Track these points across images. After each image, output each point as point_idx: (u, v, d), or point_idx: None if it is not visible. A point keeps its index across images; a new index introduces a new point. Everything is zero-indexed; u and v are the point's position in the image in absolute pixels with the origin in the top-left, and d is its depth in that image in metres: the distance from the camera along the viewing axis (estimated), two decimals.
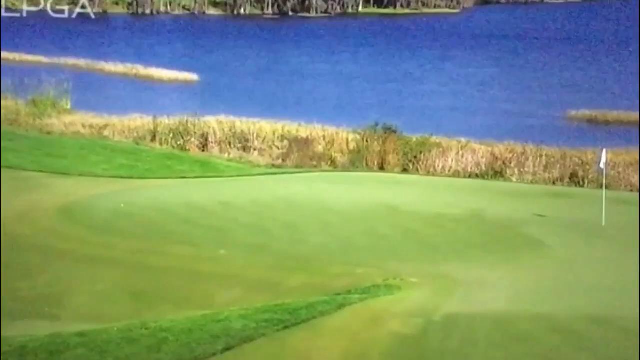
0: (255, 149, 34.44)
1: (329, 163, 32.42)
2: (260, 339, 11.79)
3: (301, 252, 18.12)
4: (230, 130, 35.95)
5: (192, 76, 64.96)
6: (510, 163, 30.67)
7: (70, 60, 66.93)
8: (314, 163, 32.20)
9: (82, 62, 67.53)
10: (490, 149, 32.02)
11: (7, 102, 40.17)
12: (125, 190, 24.77)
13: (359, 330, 12.44)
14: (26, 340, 10.87)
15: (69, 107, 41.52)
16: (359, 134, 33.46)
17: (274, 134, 35.39)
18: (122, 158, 30.73)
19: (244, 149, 34.71)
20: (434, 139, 32.48)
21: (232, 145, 34.88)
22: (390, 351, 11.60)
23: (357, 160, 31.99)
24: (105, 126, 36.67)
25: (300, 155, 32.60)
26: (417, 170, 30.87)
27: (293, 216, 21.55)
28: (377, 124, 33.13)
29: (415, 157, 31.38)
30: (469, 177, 30.20)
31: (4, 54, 63.15)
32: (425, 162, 31.08)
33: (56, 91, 42.04)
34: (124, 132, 36.05)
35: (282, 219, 21.33)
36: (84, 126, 36.86)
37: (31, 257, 17.20)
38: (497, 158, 31.17)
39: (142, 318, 13.01)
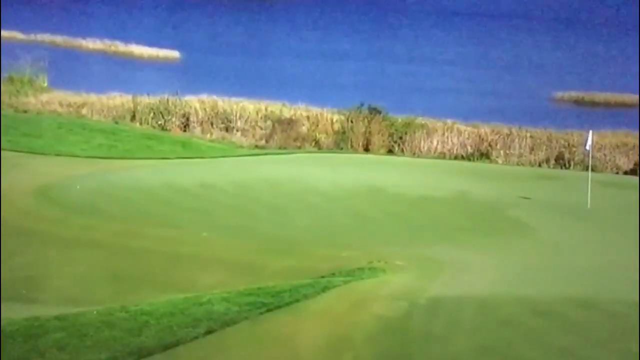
0: (237, 130, 34.31)
1: (313, 144, 32.38)
2: (243, 322, 11.82)
3: (285, 235, 18.15)
4: (213, 110, 35.75)
5: (174, 53, 64.45)
6: (496, 145, 30.78)
7: (47, 37, 66.14)
8: (298, 144, 32.16)
9: (59, 39, 66.73)
10: (475, 130, 32.08)
11: None
12: (104, 170, 24.69)
13: (342, 313, 12.50)
14: (4, 323, 10.83)
15: (45, 84, 41.09)
16: (344, 114, 33.42)
17: (257, 114, 35.24)
18: (101, 138, 30.53)
19: (227, 129, 34.56)
20: (420, 120, 32.51)
21: (215, 126, 34.71)
22: (375, 334, 11.67)
23: (341, 141, 31.98)
24: (84, 105, 36.34)
25: (284, 136, 32.54)
26: (403, 151, 30.92)
27: (277, 198, 21.58)
28: (362, 105, 33.09)
29: (400, 138, 31.41)
30: (455, 158, 30.30)
31: None
32: (410, 144, 31.12)
33: (32, 68, 41.57)
34: (102, 111, 35.75)
35: (265, 200, 21.36)
36: (61, 105, 36.51)
37: (8, 239, 17.09)
38: (482, 139, 31.25)
39: (123, 301, 12.99)
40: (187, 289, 14.34)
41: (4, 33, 66.03)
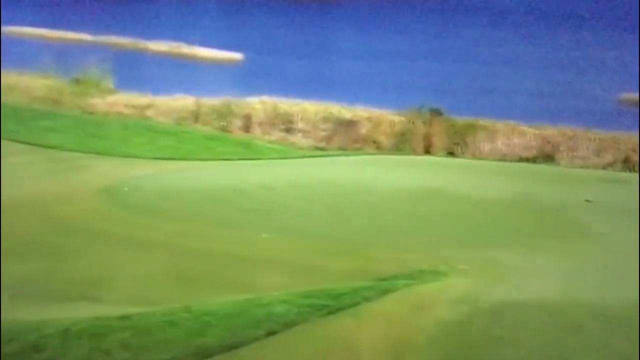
0: (298, 131, 34.39)
1: (373, 145, 32.27)
2: (303, 325, 11.81)
3: (345, 237, 18.11)
4: (273, 111, 35.92)
5: (236, 55, 64.95)
6: (560, 147, 30.24)
7: (114, 39, 67.20)
8: (358, 145, 32.08)
9: (125, 41, 67.72)
10: (539, 131, 31.53)
11: (49, 81, 40.63)
12: (167, 171, 25.01)
13: (404, 316, 12.39)
14: (69, 322, 11.02)
15: (112, 86, 41.84)
16: (404, 115, 33.23)
17: (317, 115, 35.28)
18: (164, 139, 30.94)
19: (287, 130, 34.68)
20: (481, 121, 32.11)
21: (275, 127, 34.88)
22: (436, 338, 11.53)
23: (402, 143, 31.81)
24: (148, 106, 36.88)
25: (344, 138, 32.51)
26: (464, 153, 30.60)
27: (337, 199, 21.55)
28: (422, 106, 32.87)
29: (461, 139, 31.09)
30: (518, 160, 29.85)
31: (45, 32, 64.01)
32: (472, 145, 30.78)
33: (99, 70, 42.34)
34: (166, 112, 36.26)
35: (325, 202, 21.35)
36: (126, 106, 37.11)
37: (74, 239, 17.44)
38: (546, 141, 30.72)
39: (185, 302, 13.11)
40: (247, 290, 14.39)
41: (73, 35, 67.43)
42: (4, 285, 14.11)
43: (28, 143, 28.33)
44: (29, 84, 39.63)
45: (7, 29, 64.23)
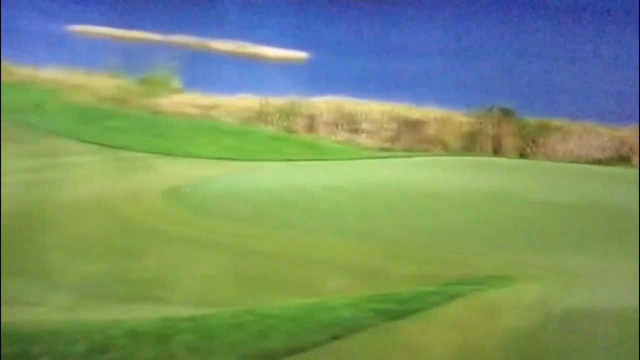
0: (363, 131, 34.36)
1: (441, 147, 32.05)
2: (369, 329, 11.81)
3: (410, 240, 18.04)
4: (338, 111, 35.97)
5: (301, 54, 65.17)
6: (637, 148, 29.55)
7: (181, 38, 67.84)
8: (425, 146, 31.90)
9: (192, 40, 68.43)
10: (616, 133, 30.87)
11: (117, 81, 41.43)
12: (232, 172, 25.29)
13: (472, 323, 12.29)
14: (135, 323, 11.23)
15: (179, 86, 42.41)
16: (473, 115, 32.91)
17: (383, 115, 35.18)
18: (229, 139, 31.27)
19: (352, 130, 34.67)
20: (555, 121, 31.58)
21: (340, 127, 34.92)
22: (506, 346, 11.41)
23: (470, 144, 31.52)
24: (214, 106, 37.30)
25: (411, 138, 32.36)
26: (535, 155, 30.15)
27: (402, 202, 21.49)
28: (492, 106, 32.49)
29: (532, 141, 30.63)
30: (592, 163, 29.27)
31: (113, 31, 65.18)
32: (544, 147, 30.30)
33: (167, 70, 42.94)
34: (231, 112, 36.62)
35: (391, 204, 21.30)
36: (192, 106, 37.60)
37: (139, 239, 17.74)
38: (623, 143, 30.06)
39: (249, 304, 13.23)
40: (312, 294, 14.45)
41: (141, 34, 68.50)
42: (72, 285, 14.47)
43: (95, 143, 28.97)
44: (96, 84, 40.52)
45: (74, 28, 65.79)
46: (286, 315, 12.38)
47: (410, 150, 31.37)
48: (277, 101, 36.88)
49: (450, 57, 66.30)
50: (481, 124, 31.94)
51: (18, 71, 44.72)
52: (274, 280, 15.60)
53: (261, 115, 35.88)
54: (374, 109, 36.07)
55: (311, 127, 35.08)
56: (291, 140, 32.67)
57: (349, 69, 60.12)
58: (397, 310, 12.58)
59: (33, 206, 20.42)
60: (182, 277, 15.50)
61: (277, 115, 35.56)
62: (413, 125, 33.25)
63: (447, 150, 31.75)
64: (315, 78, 52.55)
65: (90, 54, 50.43)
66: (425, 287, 14.36)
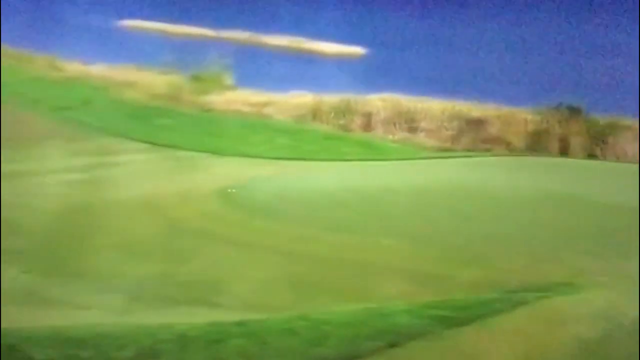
0: (422, 130, 34.21)
1: (504, 147, 31.72)
2: (427, 337, 11.71)
3: (471, 244, 17.89)
4: (396, 109, 35.85)
5: (358, 50, 65.07)
6: None
7: (234, 33, 68.10)
8: (487, 146, 31.61)
9: (245, 35, 68.67)
10: None
11: (169, 78, 41.89)
12: (285, 172, 25.39)
13: (537, 332, 12.12)
14: (186, 327, 11.32)
15: (231, 83, 42.71)
16: (539, 114, 32.50)
17: (443, 113, 34.97)
18: (283, 138, 31.42)
19: (410, 129, 34.54)
20: (626, 120, 31.01)
21: (398, 126, 34.82)
22: (572, 356, 11.23)
23: (535, 144, 31.13)
24: (267, 104, 37.50)
25: (472, 138, 32.11)
26: (605, 156, 29.64)
27: (463, 204, 21.33)
28: (559, 104, 32.04)
29: (602, 141, 30.13)
30: None
31: (165, 26, 65.94)
32: (613, 147, 29.79)
33: (219, 66, 43.25)
34: (285, 110, 36.77)
35: (450, 206, 21.16)
36: (244, 104, 37.85)
37: (190, 241, 17.93)
38: None
39: (302, 309, 13.25)
40: (367, 299, 14.42)
41: (193, 29, 69.11)
42: (121, 287, 14.67)
43: (145, 141, 29.37)
44: (148, 81, 41.05)
45: (126, 23, 66.81)
46: (341, 322, 12.36)
47: (471, 151, 31.13)
48: (332, 98, 36.91)
49: (514, 52, 65.60)
50: (547, 122, 31.52)
51: (67, 67, 45.61)
52: (328, 285, 15.60)
53: (315, 113, 35.96)
54: (433, 106, 35.86)
55: (367, 125, 35.04)
56: (346, 139, 32.68)
57: (407, 65, 59.89)
58: (457, 318, 12.46)
59: (81, 206, 20.79)
60: (233, 280, 15.59)
61: (332, 113, 35.60)
62: (474, 124, 32.97)
63: (510, 150, 31.40)
64: (371, 74, 52.48)
65: (141, 50, 51.20)
66: (487, 294, 14.22)
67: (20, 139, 28.59)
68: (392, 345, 11.35)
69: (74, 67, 45.67)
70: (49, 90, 39.83)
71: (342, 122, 35.14)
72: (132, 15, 68.86)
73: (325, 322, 12.27)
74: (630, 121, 31.09)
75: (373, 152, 30.73)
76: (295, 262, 16.84)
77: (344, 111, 35.54)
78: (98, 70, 44.76)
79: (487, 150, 31.19)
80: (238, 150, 28.61)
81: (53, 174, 24.19)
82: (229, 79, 42.68)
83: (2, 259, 15.52)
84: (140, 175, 24.65)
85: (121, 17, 68.14)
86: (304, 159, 28.02)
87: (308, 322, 12.24)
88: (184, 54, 45.94)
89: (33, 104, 35.76)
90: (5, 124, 29.35)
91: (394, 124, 34.95)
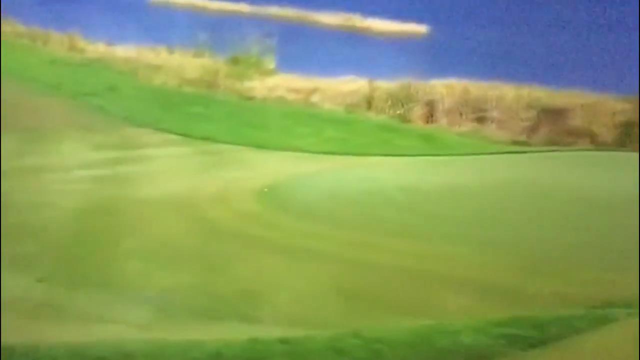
0: (493, 121, 34.02)
1: (589, 140, 31.42)
2: (497, 359, 11.66)
3: (548, 252, 17.78)
4: (463, 96, 35.72)
5: (420, 28, 64.79)
6: None
7: (276, 10, 68.14)
8: (569, 140, 31.34)
9: (289, 12, 68.57)
10: None
11: (203, 61, 42.23)
12: (334, 169, 25.43)
13: (625, 354, 11.99)
14: (221, 345, 11.38)
15: (273, 66, 42.85)
16: (630, 101, 32.11)
17: (517, 101, 34.73)
18: (332, 130, 31.51)
19: (479, 120, 34.39)
20: None
21: (465, 116, 34.68)
22: None
23: (625, 137, 30.77)
24: (314, 90, 37.62)
25: (551, 130, 31.87)
26: None
27: (539, 207, 21.22)
28: None
29: None
30: None
31: (199, 2, 66.39)
32: None
33: (260, 47, 43.37)
34: (335, 98, 36.84)
35: (525, 209, 21.06)
36: (289, 90, 38.03)
37: (226, 246, 18.03)
38: None
39: (354, 325, 13.25)
40: (428, 314, 14.41)
41: (230, 5, 69.42)
42: (149, 298, 14.81)
43: (176, 133, 29.67)
44: (180, 64, 41.44)
45: None
46: (398, 340, 12.35)
47: (550, 144, 30.91)
48: (390, 84, 36.89)
49: (600, 32, 64.89)
50: (639, 112, 31.16)
51: (90, 48, 46.26)
52: (383, 298, 15.60)
53: (370, 101, 36.00)
54: (506, 93, 35.64)
55: (429, 115, 34.96)
56: (405, 131, 32.67)
57: (476, 46, 59.56)
58: (531, 337, 12.38)
59: (104, 206, 21.03)
60: (276, 291, 15.66)
61: (389, 101, 35.61)
62: (554, 114, 32.73)
63: (596, 144, 31.10)
64: (434, 56, 52.31)
65: (172, 29, 51.61)
66: (567, 309, 14.10)
67: (35, 130, 29.05)
68: None
69: (96, 48, 46.31)
70: (68, 74, 40.42)
71: (400, 111, 35.11)
72: None
73: (380, 341, 12.27)
74: None
75: (435, 146, 30.66)
76: (346, 271, 16.85)
77: (402, 99, 35.50)
78: (124, 51, 45.29)
79: (569, 144, 30.92)
80: (281, 144, 28.74)
81: (72, 169, 24.54)
82: (271, 62, 42.82)
83: (15, 266, 15.74)
84: (171, 171, 24.89)
85: None
86: (356, 154, 28.05)
87: (360, 340, 12.25)
88: (220, 33, 46.22)
89: (50, 91, 36.31)
90: (18, 113, 29.84)
91: (460, 114, 34.82)
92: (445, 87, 36.47)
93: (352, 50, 57.13)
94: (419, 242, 18.47)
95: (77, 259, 16.98)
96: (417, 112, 34.96)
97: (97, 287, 15.52)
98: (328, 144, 29.40)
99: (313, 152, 27.81)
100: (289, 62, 43.42)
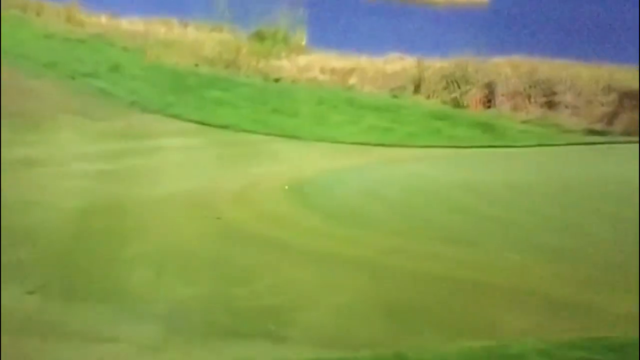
0: (566, 106, 33.88)
1: None
2: None
3: (628, 265, 17.67)
4: (530, 77, 35.65)
5: None
6: None
7: None
8: None
9: None
10: None
11: (222, 36, 42.35)
12: (376, 163, 25.46)
13: None
14: None
15: (304, 43, 42.84)
16: None
17: (595, 82, 34.57)
18: (373, 117, 31.55)
19: (549, 105, 34.29)
20: None
21: (532, 100, 34.57)
22: None
23: None
24: (352, 71, 37.70)
25: (635, 117, 31.68)
26: None
27: (623, 208, 21.16)
28: None
29: None
30: None
31: None
32: None
33: (288, 20, 43.31)
34: (376, 79, 36.87)
35: (604, 212, 21.04)
36: (323, 71, 38.12)
37: (251, 252, 18.10)
38: None
39: (397, 346, 13.31)
40: (486, 334, 14.41)
41: None
42: (158, 314, 14.89)
43: (190, 120, 29.83)
44: (194, 40, 41.64)
45: None
46: None
47: (633, 134, 30.70)
48: (442, 63, 36.90)
49: None
50: None
51: (90, 21, 46.57)
52: (433, 314, 15.62)
53: (419, 84, 36.04)
54: (581, 73, 35.56)
55: (489, 99, 34.90)
56: (460, 118, 32.68)
57: (545, 17, 59.31)
58: None
59: (108, 206, 21.15)
60: (306, 306, 15.70)
61: (442, 83, 35.61)
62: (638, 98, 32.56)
63: None
64: (496, 30, 52.19)
65: None
66: None
67: (27, 116, 29.26)
68: None
69: (98, 21, 46.63)
70: (66, 51, 40.71)
71: (454, 95, 35.10)
72: None
73: None
74: None
75: (496, 136, 30.64)
76: (388, 282, 16.87)
77: (457, 80, 35.48)
78: (130, 25, 45.57)
79: None
80: (314, 133, 28.84)
81: (70, 163, 24.69)
82: (302, 38, 42.84)
83: (3, 276, 15.85)
84: (185, 165, 25.03)
85: None
86: (401, 146, 28.13)
87: None
88: (242, 3, 46.27)
89: (44, 71, 36.57)
90: (7, 97, 30.05)
91: (527, 98, 34.72)
92: (508, 66, 36.46)
93: (398, 23, 57.07)
94: (475, 250, 18.46)
95: (75, 268, 17.05)
96: (475, 95, 34.90)
97: (97, 300, 15.59)
98: (368, 134, 29.43)
99: (351, 144, 27.87)
100: (323, 38, 43.40)
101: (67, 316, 14.74)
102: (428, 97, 35.39)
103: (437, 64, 36.98)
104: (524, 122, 32.96)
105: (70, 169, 24.11)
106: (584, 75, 35.17)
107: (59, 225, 19.46)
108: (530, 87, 34.93)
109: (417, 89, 35.95)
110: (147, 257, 17.60)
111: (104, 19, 46.70)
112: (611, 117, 32.30)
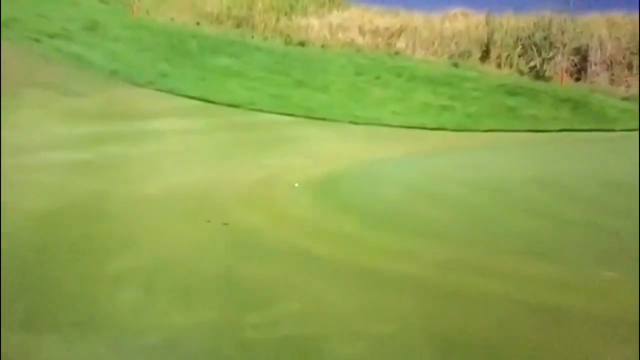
0: None
1: None
2: None
3: None
4: (632, 39, 35.55)
5: None
6: None
7: None
8: None
9: None
10: None
11: None
12: (427, 152, 25.60)
13: None
14: None
15: None
16: None
17: None
18: (426, 92, 31.61)
19: None
20: None
21: (635, 70, 34.52)
22: None
23: None
24: (400, 31, 37.65)
25: None
26: None
27: None
28: None
29: None
30: None
31: None
32: None
33: None
34: (430, 43, 36.89)
35: None
36: (362, 31, 38.08)
37: (267, 267, 18.32)
38: None
39: None
40: None
41: None
42: (152, 345, 15.11)
43: (189, 96, 30.04)
44: None
45: None
46: None
47: None
48: (518, 21, 36.85)
49: None
50: None
51: None
52: (507, 350, 15.83)
53: (487, 49, 36.08)
54: None
55: (580, 69, 34.93)
56: (541, 92, 32.72)
57: None
58: None
59: (86, 207, 21.37)
60: (339, 336, 15.87)
61: (517, 48, 35.66)
62: None
63: None
64: None
65: None
66: None
67: None
68: None
69: None
70: (27, 5, 40.71)
71: (533, 63, 35.15)
72: None
73: None
74: None
75: (590, 117, 30.72)
76: (440, 305, 16.93)
77: (538, 44, 35.47)
78: None
79: None
80: (349, 113, 28.97)
81: (35, 151, 24.88)
82: None
83: None
84: (183, 155, 25.19)
85: None
86: (463, 129, 28.28)
87: None
88: None
89: (5, 30, 36.56)
90: None
91: (628, 67, 34.66)
92: (605, 25, 36.26)
93: None
94: (560, 267, 18.55)
95: (41, 288, 17.03)
96: (561, 64, 34.94)
97: (74, 329, 15.67)
98: (419, 114, 29.51)
99: (397, 127, 27.93)
100: None
101: (36, 349, 14.84)
102: (499, 65, 35.44)
103: (511, 22, 36.97)
104: (624, 98, 32.94)
105: (36, 160, 24.13)
106: None
107: (20, 233, 19.53)
108: (632, 53, 34.88)
109: (485, 55, 36.01)
110: (135, 274, 17.67)
111: None
112: None
